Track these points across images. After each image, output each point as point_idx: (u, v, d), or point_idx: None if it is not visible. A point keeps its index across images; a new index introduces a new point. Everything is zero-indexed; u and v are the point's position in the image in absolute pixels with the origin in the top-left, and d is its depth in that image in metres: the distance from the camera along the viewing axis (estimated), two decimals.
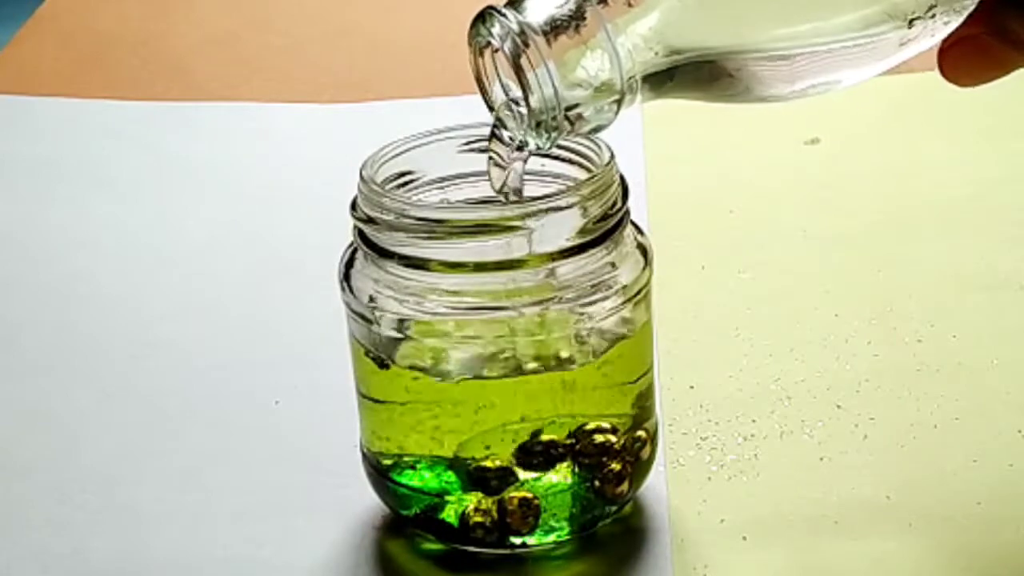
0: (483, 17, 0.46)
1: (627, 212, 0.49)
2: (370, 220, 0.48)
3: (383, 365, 0.49)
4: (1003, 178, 0.74)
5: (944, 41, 0.47)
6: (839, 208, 0.73)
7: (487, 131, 0.48)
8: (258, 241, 0.73)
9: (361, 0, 1.03)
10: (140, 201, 0.77)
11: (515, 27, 0.44)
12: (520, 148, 0.48)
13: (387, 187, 0.49)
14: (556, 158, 0.50)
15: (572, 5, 0.45)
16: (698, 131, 0.80)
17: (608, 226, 0.48)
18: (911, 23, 0.45)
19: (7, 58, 0.95)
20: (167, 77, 0.92)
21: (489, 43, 0.46)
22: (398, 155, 0.50)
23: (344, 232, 0.50)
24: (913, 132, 0.80)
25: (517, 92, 0.46)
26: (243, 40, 0.97)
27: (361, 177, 0.48)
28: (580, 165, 0.50)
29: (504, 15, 0.45)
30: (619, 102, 0.45)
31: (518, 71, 0.45)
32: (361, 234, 0.49)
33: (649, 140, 0.79)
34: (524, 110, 0.46)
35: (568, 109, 0.45)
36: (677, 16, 0.45)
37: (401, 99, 0.86)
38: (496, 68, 0.47)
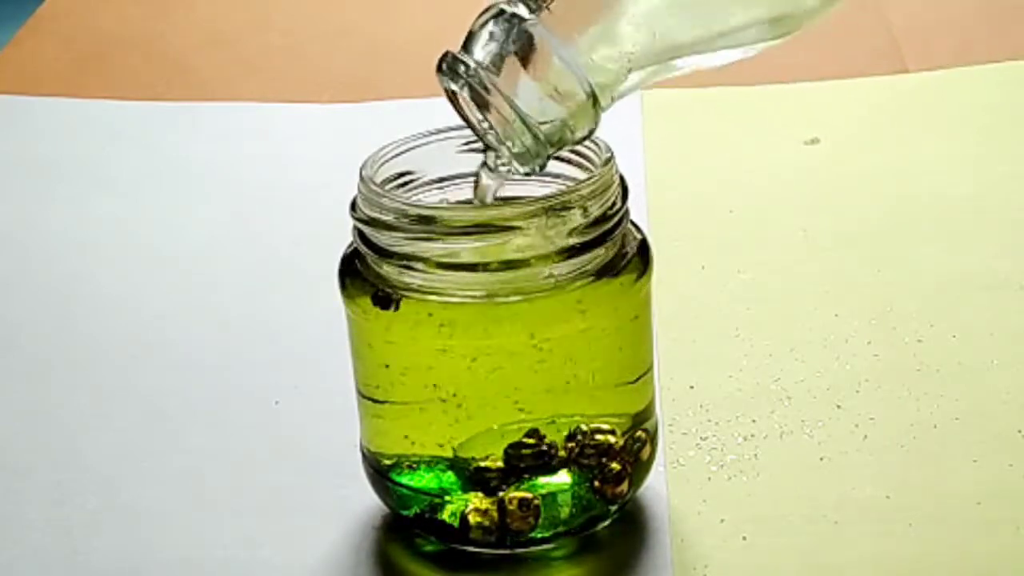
0: (440, 65, 0.46)
1: (627, 212, 0.49)
2: (370, 220, 0.48)
3: (389, 303, 0.48)
4: (1003, 178, 0.74)
5: None
6: (839, 208, 0.73)
7: None
8: (258, 241, 0.73)
9: (361, 0, 1.03)
10: (140, 201, 0.77)
11: (471, 72, 0.45)
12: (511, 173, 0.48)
13: (387, 187, 0.49)
14: (556, 158, 0.50)
15: (521, 39, 0.45)
16: (698, 131, 0.80)
17: (608, 226, 0.48)
18: None
19: (7, 58, 0.95)
20: (167, 77, 0.92)
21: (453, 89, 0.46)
22: (398, 155, 0.50)
23: (344, 232, 0.50)
24: (913, 132, 0.80)
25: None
26: (243, 40, 0.97)
27: (361, 177, 0.48)
28: (580, 165, 0.50)
29: (461, 61, 0.45)
30: (596, 118, 0.46)
31: (484, 115, 0.45)
32: (361, 234, 0.49)
33: (649, 140, 0.79)
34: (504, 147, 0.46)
35: (550, 141, 0.45)
36: (645, 30, 0.45)
37: (401, 99, 0.86)
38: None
